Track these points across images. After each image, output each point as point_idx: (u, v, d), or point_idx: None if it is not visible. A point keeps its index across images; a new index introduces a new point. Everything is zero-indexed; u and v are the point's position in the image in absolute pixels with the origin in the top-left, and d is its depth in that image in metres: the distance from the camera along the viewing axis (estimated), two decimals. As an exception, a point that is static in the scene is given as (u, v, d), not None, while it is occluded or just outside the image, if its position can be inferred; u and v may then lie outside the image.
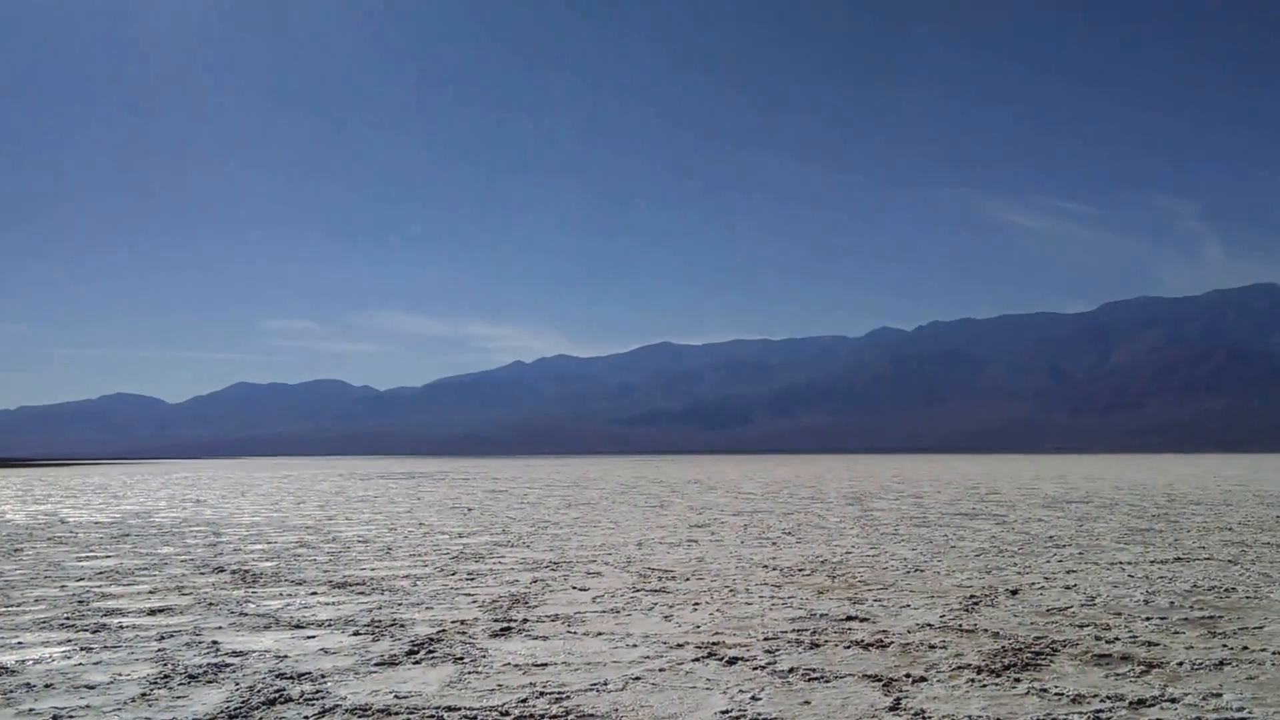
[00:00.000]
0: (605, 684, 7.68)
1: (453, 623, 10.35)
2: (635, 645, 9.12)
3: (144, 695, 7.41)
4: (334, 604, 11.69)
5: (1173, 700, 7.00)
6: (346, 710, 7.04)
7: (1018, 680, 7.65)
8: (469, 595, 12.25)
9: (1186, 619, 10.16)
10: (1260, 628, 9.62)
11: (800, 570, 14.45)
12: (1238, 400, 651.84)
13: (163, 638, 9.62)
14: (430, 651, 8.95)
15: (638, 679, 7.84)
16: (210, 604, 11.73)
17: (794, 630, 9.75)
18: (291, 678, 7.98)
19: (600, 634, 9.67)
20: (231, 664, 8.45)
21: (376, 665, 8.43)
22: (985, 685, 7.52)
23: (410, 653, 8.89)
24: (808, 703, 7.12)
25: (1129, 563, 14.98)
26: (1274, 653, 8.44)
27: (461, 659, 8.65)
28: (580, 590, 12.61)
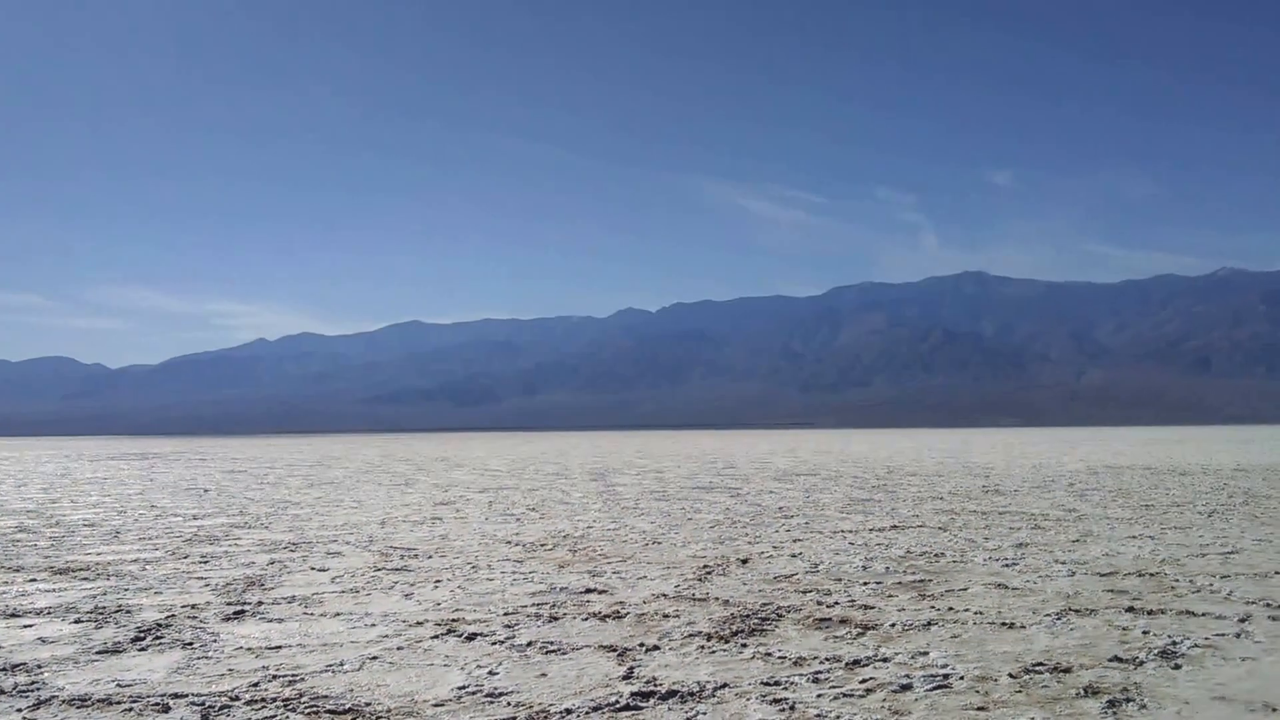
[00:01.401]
0: (341, 664, 7.52)
1: (183, 607, 9.84)
2: (374, 624, 8.97)
3: None
4: (55, 591, 10.87)
5: (885, 660, 7.54)
6: (64, 701, 6.59)
7: (744, 645, 8.04)
8: (201, 579, 11.67)
9: (900, 583, 10.95)
10: (964, 589, 10.50)
11: (542, 545, 14.60)
12: (951, 378, 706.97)
13: None
14: (157, 638, 8.48)
15: (375, 658, 7.72)
16: (-104, 597, 10.64)
17: (534, 604, 9.86)
18: (4, 669, 7.40)
19: (338, 614, 9.45)
20: (-78, 661, 7.71)
21: (99, 653, 7.92)
22: (715, 651, 7.87)
23: (136, 639, 8.40)
24: (544, 675, 7.23)
25: (850, 531, 16.00)
26: (975, 612, 9.23)
27: (191, 644, 8.25)
28: (319, 571, 12.25)
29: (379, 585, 11.13)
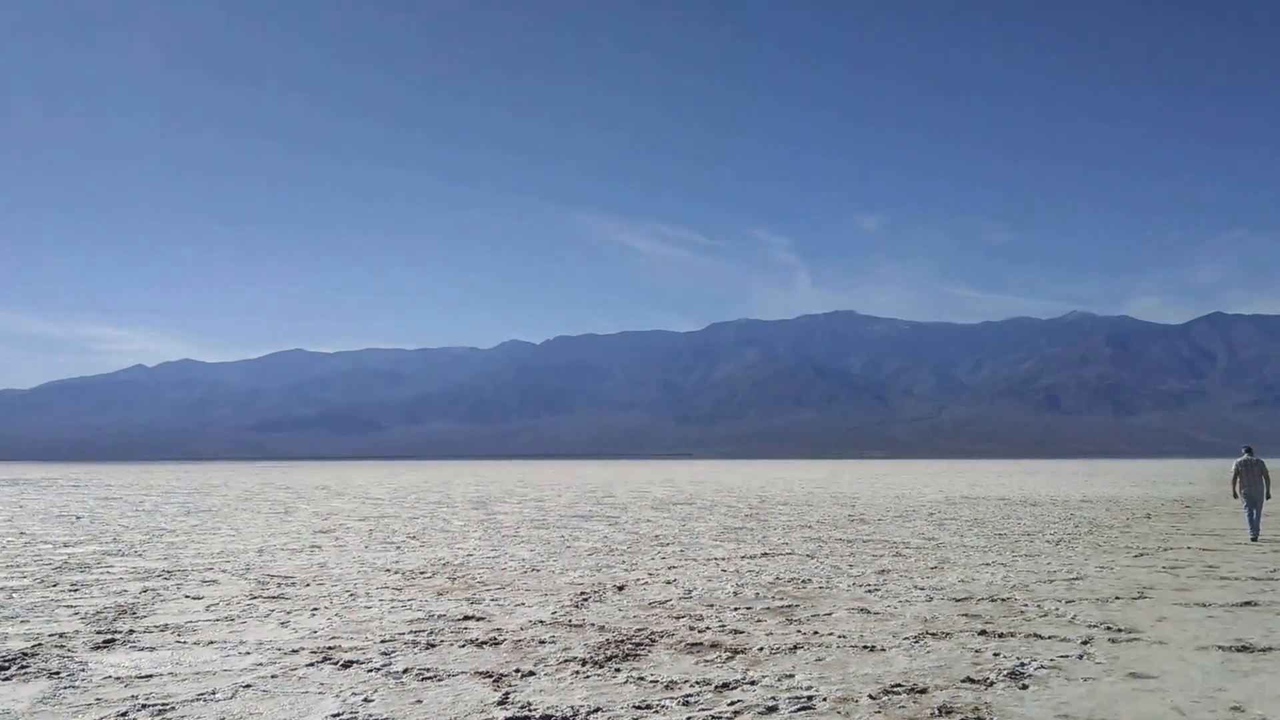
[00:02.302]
0: (214, 693, 7.45)
1: (50, 636, 9.57)
2: (248, 653, 8.88)
3: None
4: (-103, 623, 10.40)
5: (752, 683, 7.84)
6: (-85, 736, 6.40)
7: (618, 670, 8.25)
8: (70, 607, 11.33)
9: (768, 608, 11.32)
10: (829, 614, 10.92)
11: (422, 573, 14.57)
12: (821, 412, 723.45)
13: None
14: (23, 667, 8.26)
15: (248, 686, 7.67)
16: None
17: (411, 632, 9.89)
18: None
19: (212, 643, 9.32)
20: None
21: (-46, 686, 7.67)
22: (589, 676, 8.05)
23: (0, 669, 8.15)
24: (419, 701, 7.31)
25: (723, 558, 16.38)
26: (839, 636, 9.63)
27: (58, 674, 8.05)
28: (193, 599, 12.01)
29: (254, 613, 10.98)
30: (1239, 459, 20.39)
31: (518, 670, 8.24)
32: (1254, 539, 19.44)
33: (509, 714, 6.95)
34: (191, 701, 7.24)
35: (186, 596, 12.24)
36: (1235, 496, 20.25)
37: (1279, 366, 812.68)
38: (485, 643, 9.37)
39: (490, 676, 8.05)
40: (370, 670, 8.27)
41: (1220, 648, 9.04)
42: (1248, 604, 11.52)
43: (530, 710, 7.04)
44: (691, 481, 60.99)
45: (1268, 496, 19.77)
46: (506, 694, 7.48)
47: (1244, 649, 8.96)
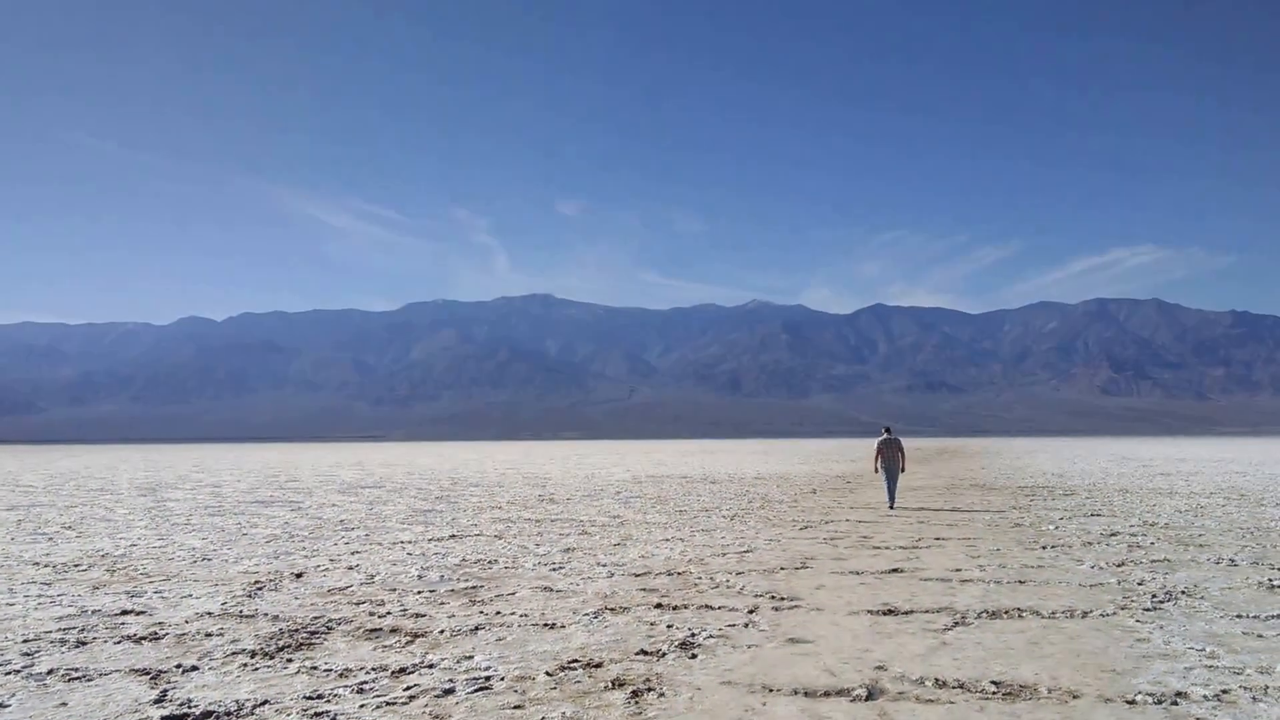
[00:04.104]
0: None
1: None
2: None
3: None
4: None
5: (431, 666, 7.73)
6: None
7: (290, 660, 7.91)
8: None
9: (453, 590, 11.22)
10: (513, 594, 10.96)
11: (76, 565, 13.39)
12: (517, 393, 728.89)
13: None
14: None
15: None
16: None
17: (60, 629, 9.05)
18: None
19: None
20: None
21: None
22: (258, 668, 7.67)
23: None
24: (64, 704, 6.70)
25: (409, 541, 16.10)
26: (521, 615, 9.68)
27: None
28: None
29: None
30: (880, 438, 23.30)
31: (179, 666, 7.72)
32: (891, 507, 22.13)
33: (166, 712, 6.50)
34: None
35: None
36: (876, 471, 23.15)
37: (930, 354, 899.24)
38: (145, 638, 8.71)
39: (147, 674, 7.49)
40: (8, 673, 7.50)
41: (869, 612, 9.83)
42: (895, 571, 12.60)
43: (190, 707, 6.61)
44: (383, 464, 59.67)
45: (902, 470, 22.89)
46: (165, 691, 6.99)
47: (889, 612, 9.79)
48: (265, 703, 6.73)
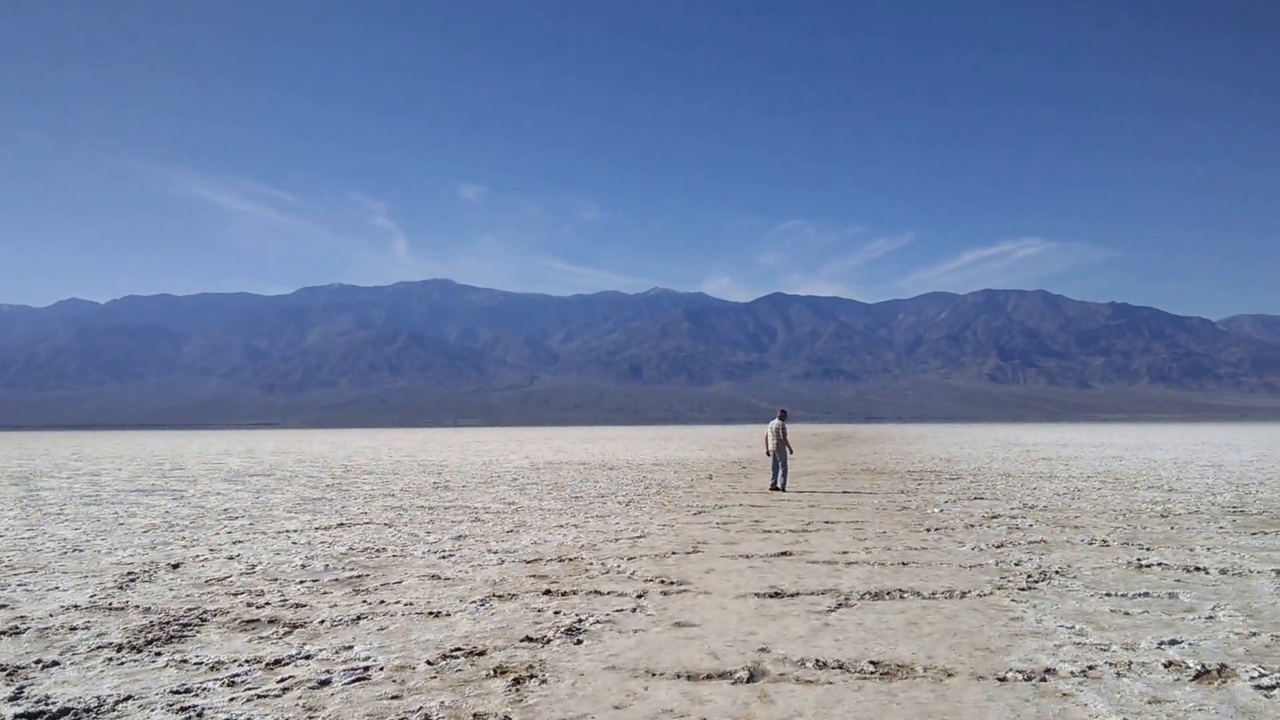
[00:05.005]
0: None
1: None
2: None
3: None
4: None
5: (308, 657, 7.51)
6: None
7: (159, 654, 7.62)
8: None
9: (337, 579, 10.96)
10: (399, 582, 10.75)
11: (-68, 560, 12.73)
12: (416, 380, 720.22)
13: None
14: None
15: None
16: None
17: (-92, 627, 8.57)
18: None
19: None
20: None
21: None
22: (124, 663, 7.36)
23: None
24: (-91, 705, 6.33)
25: (296, 530, 15.71)
26: (406, 604, 9.49)
27: None
28: None
29: None
30: (771, 423, 23.82)
31: (39, 661, 7.37)
32: (783, 488, 22.86)
33: (22, 710, 6.19)
34: None
35: None
36: (768, 454, 23.56)
37: (826, 342, 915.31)
38: (4, 633, 8.31)
39: (4, 670, 7.14)
40: None
41: (756, 594, 9.89)
42: (783, 554, 12.72)
43: (48, 704, 6.31)
44: (273, 452, 58.33)
45: (790, 453, 23.65)
46: (21, 688, 6.66)
47: (775, 595, 9.87)
48: (128, 698, 6.46)
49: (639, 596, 9.83)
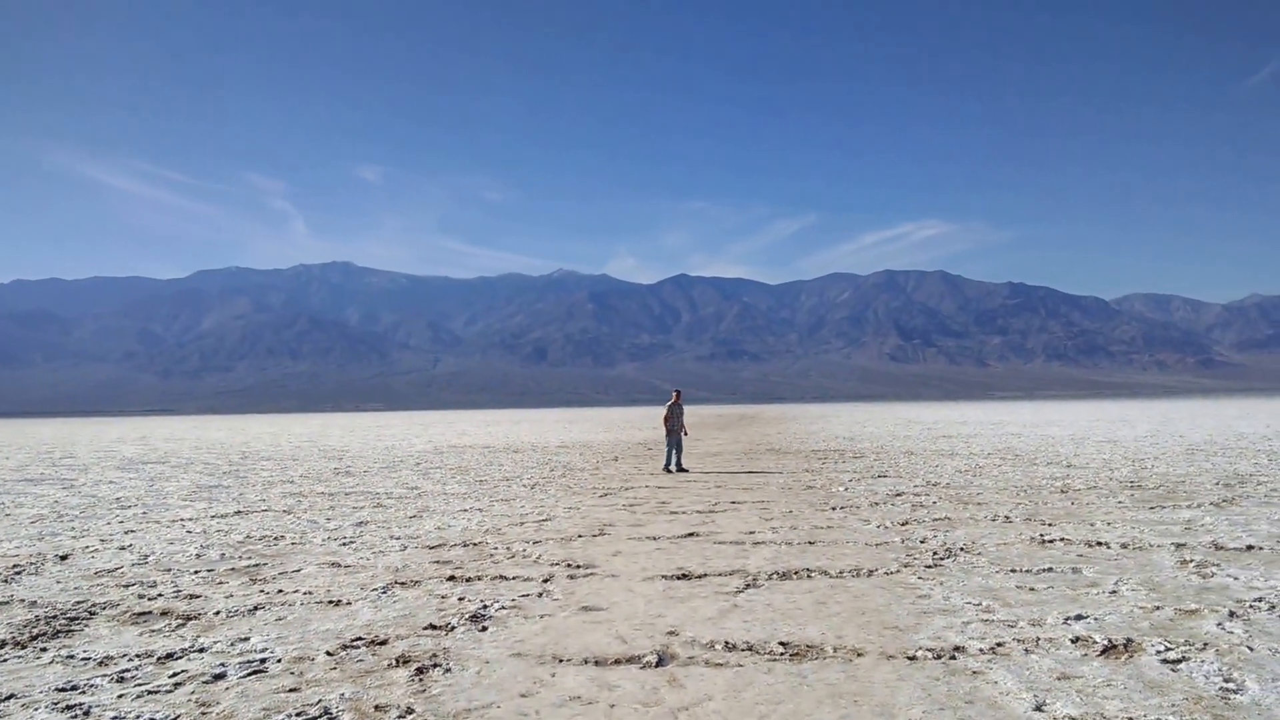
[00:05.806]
0: None
1: None
2: None
3: None
4: None
5: (202, 650, 7.25)
6: None
7: (44, 650, 7.29)
8: None
9: (233, 569, 10.64)
10: (298, 571, 10.48)
11: None
12: (316, 364, 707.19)
13: None
14: None
15: None
16: None
17: None
18: None
19: None
20: None
21: None
22: (6, 659, 7.03)
23: None
24: None
25: (191, 519, 15.24)
26: (305, 593, 9.25)
27: None
28: None
29: None
30: (669, 402, 24.32)
31: (-88, 663, 6.99)
32: (682, 469, 23.32)
33: (-107, 716, 5.85)
34: None
35: None
36: (668, 434, 23.86)
37: (730, 323, 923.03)
38: (-127, 634, 7.86)
39: (-128, 674, 6.75)
40: None
41: (664, 577, 9.87)
42: (690, 535, 12.74)
43: (-78, 708, 5.98)
44: (168, 439, 56.65)
45: (685, 433, 24.15)
46: (-108, 692, 6.30)
47: (683, 577, 9.86)
48: (10, 697, 6.15)
49: (545, 581, 9.74)
